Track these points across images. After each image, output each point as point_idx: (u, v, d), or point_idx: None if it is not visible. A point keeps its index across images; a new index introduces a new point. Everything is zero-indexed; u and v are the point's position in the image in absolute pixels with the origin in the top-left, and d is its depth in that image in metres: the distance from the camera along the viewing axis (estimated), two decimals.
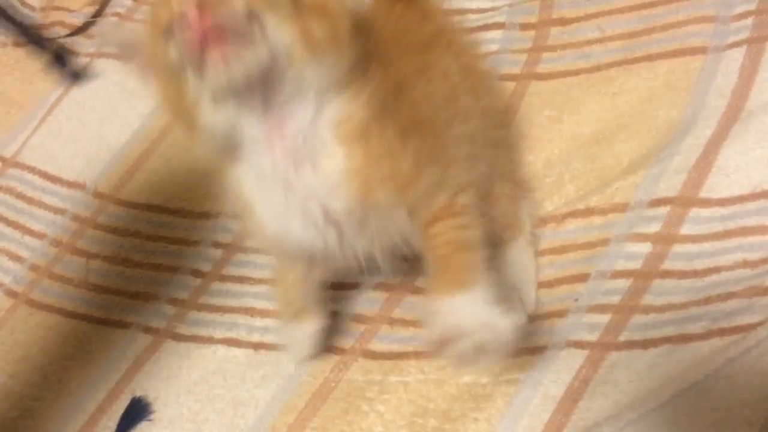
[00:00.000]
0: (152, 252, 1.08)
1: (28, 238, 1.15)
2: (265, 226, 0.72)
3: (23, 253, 1.13)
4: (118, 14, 1.37)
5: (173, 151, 1.18)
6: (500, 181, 0.89)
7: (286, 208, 0.69)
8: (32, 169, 1.20)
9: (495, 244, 0.92)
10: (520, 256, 0.91)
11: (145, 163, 1.18)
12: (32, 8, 1.43)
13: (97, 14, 1.39)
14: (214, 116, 0.63)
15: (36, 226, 1.15)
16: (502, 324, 0.66)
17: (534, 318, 0.88)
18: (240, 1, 0.59)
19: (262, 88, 0.63)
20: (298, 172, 0.67)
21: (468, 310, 0.67)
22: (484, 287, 0.68)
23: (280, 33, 0.60)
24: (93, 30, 1.37)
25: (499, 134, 0.92)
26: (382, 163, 0.67)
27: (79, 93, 1.29)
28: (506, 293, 0.89)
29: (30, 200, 1.19)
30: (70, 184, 1.18)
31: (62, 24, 1.38)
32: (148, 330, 1.00)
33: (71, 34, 1.37)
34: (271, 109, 0.64)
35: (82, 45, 1.35)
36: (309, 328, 0.87)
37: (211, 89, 0.61)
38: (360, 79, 0.67)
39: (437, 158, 0.72)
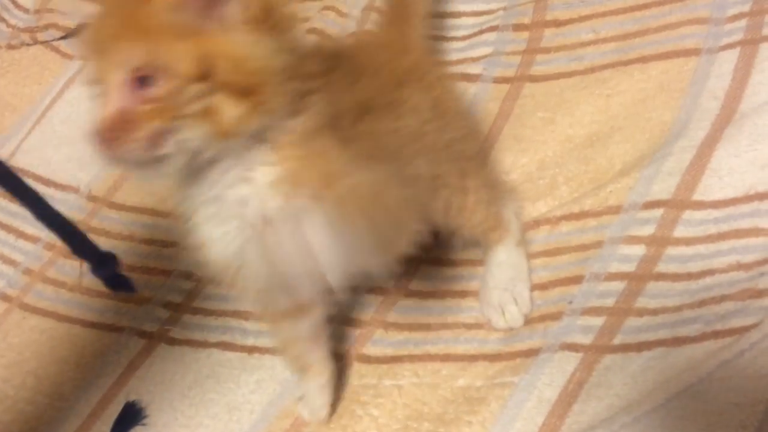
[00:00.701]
0: (146, 255, 1.08)
1: (21, 242, 1.15)
2: (216, 260, 0.69)
3: (17, 256, 1.13)
4: None
5: None
6: (475, 192, 0.87)
7: (228, 233, 0.66)
8: (25, 172, 1.19)
9: (484, 247, 0.92)
10: (509, 255, 0.91)
11: None
12: (26, 10, 1.43)
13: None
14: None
15: (29, 230, 1.15)
16: None
17: (528, 320, 0.88)
18: (142, 132, 0.59)
19: (198, 160, 0.62)
20: (233, 190, 0.64)
21: None
22: None
23: (192, 136, 0.60)
24: None
25: (468, 148, 0.88)
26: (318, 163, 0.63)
27: (73, 95, 1.29)
28: (498, 294, 0.89)
29: None
30: (63, 187, 1.18)
31: (56, 26, 1.38)
32: (141, 334, 1.00)
33: (65, 37, 1.37)
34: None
35: (77, 47, 1.34)
36: (318, 381, 0.85)
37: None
38: (306, 104, 0.64)
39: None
